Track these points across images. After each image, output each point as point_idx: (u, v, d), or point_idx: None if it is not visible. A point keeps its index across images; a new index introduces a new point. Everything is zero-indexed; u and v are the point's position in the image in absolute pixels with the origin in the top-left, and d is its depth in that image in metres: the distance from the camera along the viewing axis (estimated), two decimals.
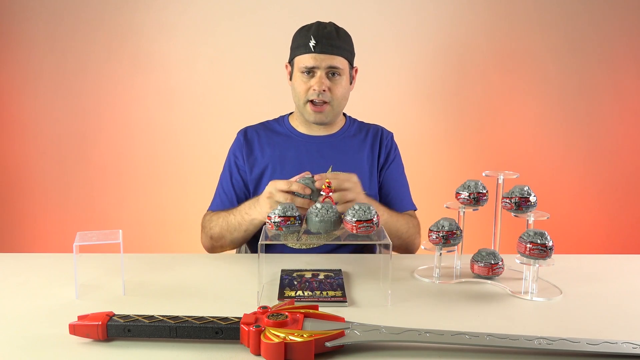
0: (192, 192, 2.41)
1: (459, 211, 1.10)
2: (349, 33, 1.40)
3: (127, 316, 0.79)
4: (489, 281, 1.07)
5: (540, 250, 0.96)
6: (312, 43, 1.30)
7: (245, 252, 1.48)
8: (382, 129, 1.51)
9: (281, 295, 0.97)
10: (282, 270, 1.11)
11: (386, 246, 0.97)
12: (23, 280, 1.06)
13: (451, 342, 0.76)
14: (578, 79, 2.38)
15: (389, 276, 0.99)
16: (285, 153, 1.42)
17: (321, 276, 1.07)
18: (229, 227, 1.29)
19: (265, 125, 1.49)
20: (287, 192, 1.10)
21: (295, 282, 1.03)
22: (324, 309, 0.85)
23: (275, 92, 2.16)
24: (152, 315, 0.79)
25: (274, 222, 0.97)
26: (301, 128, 1.46)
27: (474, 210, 1.10)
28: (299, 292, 0.98)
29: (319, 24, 1.36)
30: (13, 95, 2.40)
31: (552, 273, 1.10)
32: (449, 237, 1.04)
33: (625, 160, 2.45)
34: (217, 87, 2.39)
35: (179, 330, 0.77)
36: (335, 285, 1.02)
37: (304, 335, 0.73)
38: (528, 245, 0.96)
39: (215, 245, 1.35)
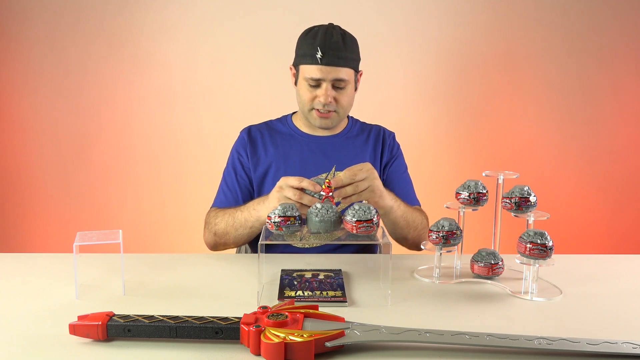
0: (192, 192, 2.41)
1: (459, 211, 1.10)
2: (352, 35, 1.38)
3: (127, 316, 0.79)
4: (489, 281, 1.07)
5: (540, 250, 0.96)
6: (318, 55, 1.28)
7: (246, 252, 1.48)
8: (384, 129, 1.52)
9: (281, 295, 0.97)
10: (282, 270, 1.11)
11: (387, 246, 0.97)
12: (23, 280, 1.06)
13: (451, 342, 0.76)
14: (578, 79, 2.39)
15: (389, 276, 0.99)
16: (289, 153, 1.42)
17: (321, 276, 1.07)
18: (234, 224, 1.28)
19: (268, 125, 1.49)
20: (298, 188, 1.09)
21: (295, 282, 1.03)
22: (324, 309, 0.85)
23: (276, 92, 2.17)
24: (152, 315, 0.79)
25: (274, 222, 0.96)
26: (304, 128, 1.46)
27: (473, 210, 1.10)
28: (299, 292, 0.98)
29: (325, 31, 1.31)
30: (13, 95, 2.40)
31: (552, 273, 1.10)
32: (449, 237, 1.04)
33: (625, 160, 2.46)
34: (217, 87, 2.39)
35: (179, 330, 0.77)
36: (335, 285, 1.02)
37: (304, 335, 0.73)
38: (528, 245, 0.96)
39: (218, 242, 1.34)
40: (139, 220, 2.47)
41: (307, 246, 1.37)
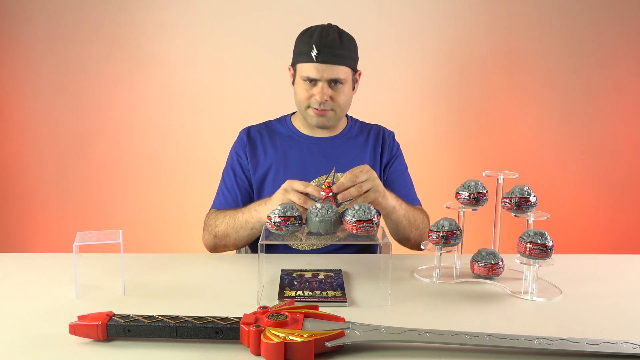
0: (192, 192, 2.41)
1: (459, 211, 1.10)
2: (352, 34, 1.38)
3: (127, 316, 0.79)
4: (489, 281, 1.07)
5: (540, 250, 0.96)
6: (314, 53, 1.28)
7: (246, 252, 1.48)
8: (383, 128, 1.51)
9: (281, 295, 0.97)
10: (282, 270, 1.11)
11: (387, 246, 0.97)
12: (23, 280, 1.06)
13: (451, 342, 0.76)
14: (578, 78, 2.39)
15: (389, 276, 0.99)
16: (288, 154, 1.41)
17: (321, 276, 1.07)
18: (235, 225, 1.27)
19: (267, 126, 1.49)
20: (303, 193, 1.09)
21: (295, 282, 1.03)
22: (324, 309, 0.85)
23: (276, 92, 2.17)
24: (152, 315, 0.79)
25: (274, 222, 0.96)
26: (304, 129, 1.45)
27: (473, 210, 1.10)
28: (299, 292, 0.98)
29: (322, 29, 1.31)
30: (13, 95, 2.40)
31: (552, 273, 1.10)
32: (449, 237, 1.04)
33: (625, 160, 2.46)
34: (217, 87, 2.39)
35: (179, 330, 0.77)
36: (335, 285, 1.02)
37: (304, 335, 0.73)
38: (528, 245, 0.96)
39: (218, 245, 1.34)
40: (139, 220, 2.47)
41: (307, 248, 1.37)
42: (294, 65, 1.37)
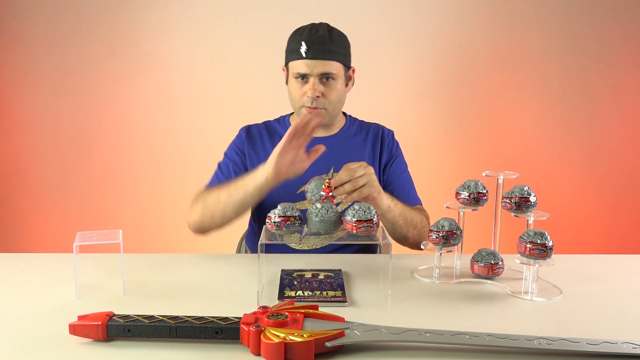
0: (192, 192, 2.41)
1: (459, 211, 1.10)
2: (347, 33, 1.37)
3: (127, 316, 0.79)
4: (489, 281, 1.07)
5: (540, 250, 0.96)
6: (303, 49, 1.29)
7: (246, 252, 1.48)
8: (382, 127, 1.51)
9: (281, 295, 0.97)
10: (282, 270, 1.11)
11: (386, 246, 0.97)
12: (23, 280, 1.06)
13: (451, 342, 0.76)
14: (577, 78, 2.39)
15: (389, 276, 0.99)
16: None
17: (321, 276, 1.07)
18: (229, 189, 1.22)
19: (267, 126, 1.49)
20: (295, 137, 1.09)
21: (295, 282, 1.03)
22: (324, 309, 0.85)
23: (275, 92, 2.16)
24: (152, 315, 0.79)
25: (274, 222, 0.96)
26: None
27: (473, 210, 1.10)
28: (299, 292, 0.98)
29: (311, 27, 1.33)
30: (13, 95, 2.40)
31: (552, 273, 1.10)
32: (449, 237, 1.04)
33: (625, 160, 2.46)
34: (217, 87, 2.39)
35: (179, 330, 0.77)
36: (335, 285, 1.02)
37: (304, 335, 0.73)
38: (528, 245, 0.96)
39: (205, 215, 1.27)
40: (139, 220, 2.47)
41: (306, 247, 1.37)
42: (286, 64, 1.37)
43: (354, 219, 0.95)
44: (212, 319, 0.78)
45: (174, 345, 0.77)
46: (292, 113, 1.51)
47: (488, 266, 1.07)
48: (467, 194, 1.07)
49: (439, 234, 1.04)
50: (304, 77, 1.31)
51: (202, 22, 2.34)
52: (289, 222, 0.96)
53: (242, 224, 1.60)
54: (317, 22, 1.37)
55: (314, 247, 1.37)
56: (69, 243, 0.96)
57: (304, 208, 1.07)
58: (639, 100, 2.41)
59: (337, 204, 1.12)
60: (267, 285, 1.05)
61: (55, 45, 2.35)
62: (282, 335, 0.73)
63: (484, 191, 1.08)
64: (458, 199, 1.10)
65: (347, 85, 1.39)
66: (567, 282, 1.06)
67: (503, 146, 2.45)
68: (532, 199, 1.04)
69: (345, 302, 0.95)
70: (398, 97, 2.40)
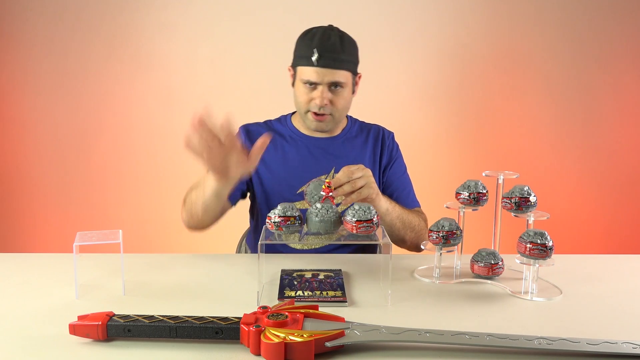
0: None
1: (459, 211, 1.10)
2: (352, 35, 1.37)
3: (127, 316, 0.79)
4: (489, 281, 1.07)
5: (540, 250, 0.96)
6: (314, 57, 1.27)
7: (246, 252, 1.48)
8: (383, 129, 1.51)
9: (281, 295, 0.97)
10: (282, 270, 1.11)
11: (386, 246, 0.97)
12: (23, 280, 1.06)
13: (451, 342, 0.76)
14: (577, 79, 2.39)
15: (389, 276, 0.99)
16: (288, 154, 1.41)
17: (321, 276, 1.07)
18: (197, 191, 1.24)
19: (267, 125, 1.49)
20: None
21: (295, 282, 1.03)
22: (324, 309, 0.85)
23: (276, 92, 2.16)
24: (152, 315, 0.79)
25: (274, 222, 0.96)
26: (303, 129, 1.45)
27: (473, 210, 1.10)
28: (299, 292, 0.98)
29: (323, 32, 1.31)
30: (13, 95, 2.40)
31: (552, 273, 1.10)
32: (449, 237, 1.04)
33: (625, 160, 2.46)
34: (217, 87, 2.39)
35: (179, 330, 0.77)
36: (335, 285, 1.02)
37: (304, 335, 0.73)
38: (528, 245, 0.96)
39: (189, 213, 1.30)
40: (139, 220, 2.47)
41: (306, 247, 1.37)
42: (294, 66, 1.37)
43: (354, 219, 0.95)
44: (212, 319, 0.78)
45: (174, 345, 0.77)
46: (293, 113, 1.51)
47: (488, 266, 1.07)
48: (467, 194, 1.07)
49: (439, 234, 1.04)
50: (312, 84, 1.31)
51: (202, 22, 2.34)
52: (289, 222, 0.96)
53: (242, 223, 1.61)
54: (326, 24, 1.36)
55: (313, 247, 1.37)
56: (69, 243, 0.96)
57: (304, 208, 1.07)
58: (638, 100, 2.41)
59: (337, 205, 1.12)
60: (267, 285, 1.05)
61: (55, 45, 2.35)
62: (282, 335, 0.73)
63: (484, 191, 1.09)
64: (458, 199, 1.10)
65: (353, 92, 1.40)
66: (567, 282, 1.06)
67: (503, 146, 2.45)
68: (532, 199, 1.04)
69: (345, 302, 0.95)
70: (398, 97, 2.40)
